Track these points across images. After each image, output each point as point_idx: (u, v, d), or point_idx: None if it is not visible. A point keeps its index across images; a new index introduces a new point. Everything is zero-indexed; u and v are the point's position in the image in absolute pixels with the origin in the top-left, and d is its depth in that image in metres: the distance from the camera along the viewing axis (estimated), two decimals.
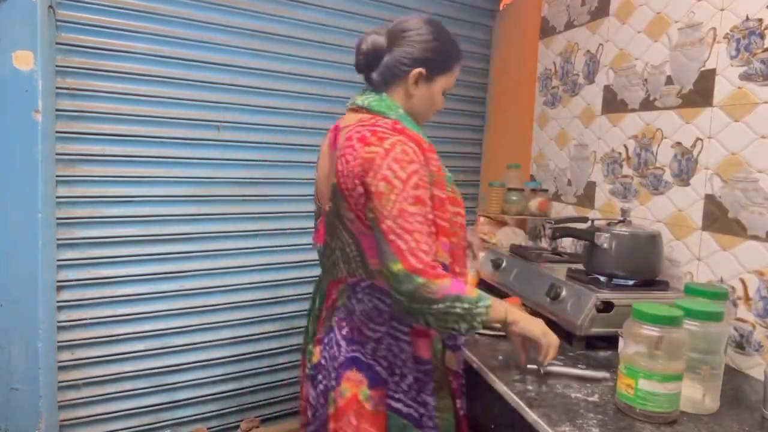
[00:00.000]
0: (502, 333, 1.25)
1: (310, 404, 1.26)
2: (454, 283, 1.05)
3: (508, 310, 1.13)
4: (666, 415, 0.97)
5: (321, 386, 1.21)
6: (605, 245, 1.40)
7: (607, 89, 1.80)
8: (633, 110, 1.68)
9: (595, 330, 1.32)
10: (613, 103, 1.77)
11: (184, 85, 1.96)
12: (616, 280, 1.41)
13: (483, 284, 1.91)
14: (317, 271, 1.33)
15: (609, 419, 0.98)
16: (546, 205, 2.03)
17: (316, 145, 1.77)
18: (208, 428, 2.12)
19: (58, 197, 1.79)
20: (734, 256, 1.32)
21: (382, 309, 1.16)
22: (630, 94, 1.69)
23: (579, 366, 1.23)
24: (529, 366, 1.17)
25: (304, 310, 1.75)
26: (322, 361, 1.21)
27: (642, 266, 1.41)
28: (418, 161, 1.09)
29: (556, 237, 1.58)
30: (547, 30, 2.16)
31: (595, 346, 1.35)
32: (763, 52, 1.27)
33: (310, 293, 1.36)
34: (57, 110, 1.76)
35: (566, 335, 1.39)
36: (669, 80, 1.54)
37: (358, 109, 1.21)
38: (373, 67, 1.22)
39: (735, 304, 1.31)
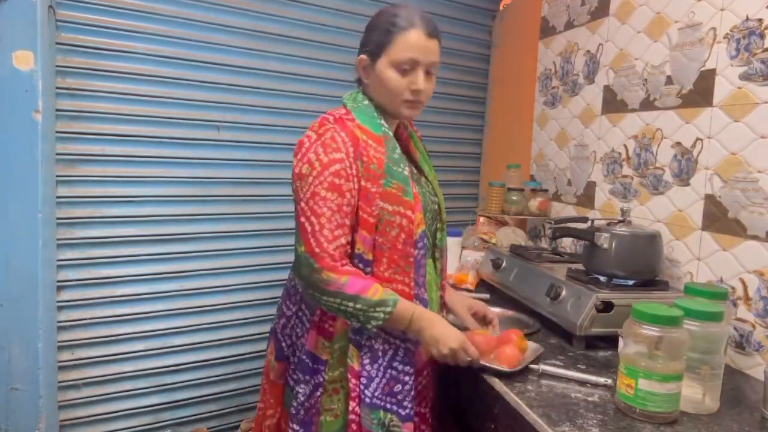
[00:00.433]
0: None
1: None
2: (352, 282, 1.05)
3: (414, 320, 1.08)
4: (666, 415, 0.97)
5: None
6: (605, 245, 1.40)
7: (607, 89, 1.80)
8: (633, 110, 1.68)
9: (595, 330, 1.32)
10: (613, 103, 1.77)
11: (184, 85, 1.96)
12: (616, 280, 1.41)
13: (483, 284, 1.91)
14: None
15: (609, 419, 0.98)
16: (546, 205, 2.03)
17: None
18: (208, 428, 2.12)
19: (58, 197, 1.79)
20: (734, 256, 1.32)
21: (297, 289, 1.23)
22: (630, 94, 1.69)
23: (579, 366, 1.23)
24: (529, 366, 1.17)
25: None
26: None
27: (642, 266, 1.41)
28: (345, 150, 1.11)
29: (556, 237, 1.58)
30: (547, 30, 2.16)
31: (595, 346, 1.35)
32: (763, 52, 1.27)
33: None
34: (57, 110, 1.76)
35: (566, 335, 1.40)
36: (669, 80, 1.54)
37: (343, 104, 1.26)
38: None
39: (735, 304, 1.31)
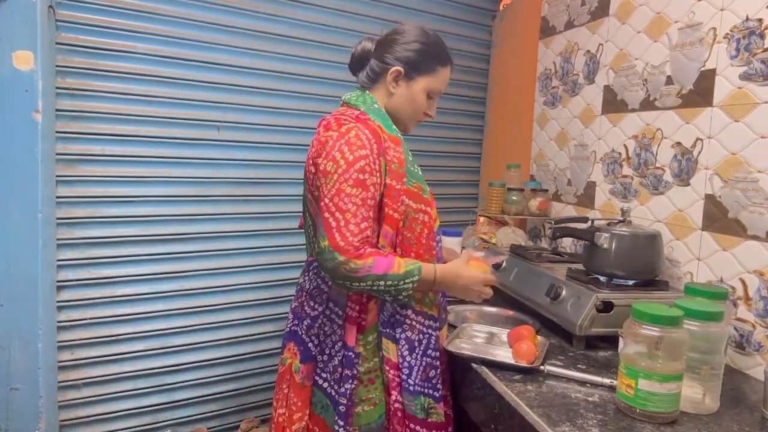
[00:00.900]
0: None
1: None
2: (378, 262, 1.10)
3: (437, 281, 1.17)
4: (666, 415, 0.97)
5: None
6: (605, 245, 1.40)
7: (607, 89, 1.80)
8: (633, 110, 1.68)
9: (595, 330, 1.32)
10: (613, 103, 1.77)
11: (184, 85, 1.96)
12: (616, 280, 1.41)
13: None
14: None
15: (609, 419, 0.98)
16: (546, 205, 2.03)
17: None
18: (208, 428, 2.12)
19: (58, 197, 1.79)
20: (734, 256, 1.32)
21: (322, 289, 1.25)
22: (630, 94, 1.69)
23: (579, 366, 1.23)
24: (529, 366, 1.17)
25: None
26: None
27: (642, 266, 1.41)
28: (369, 147, 1.14)
29: (556, 237, 1.58)
30: (547, 30, 2.16)
31: (595, 346, 1.35)
32: (763, 52, 1.27)
33: None
34: (57, 110, 1.76)
35: (566, 335, 1.40)
36: (669, 80, 1.54)
37: (343, 104, 1.30)
38: (362, 68, 1.31)
39: (735, 304, 1.31)
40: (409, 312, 1.20)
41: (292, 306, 1.33)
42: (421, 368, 1.20)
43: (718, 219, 1.37)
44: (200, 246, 2.05)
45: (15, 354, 1.70)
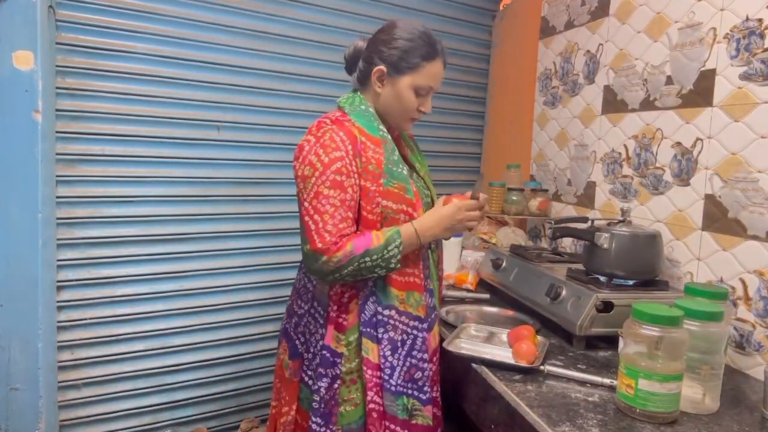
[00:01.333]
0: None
1: None
2: (357, 244, 1.11)
3: (419, 233, 1.18)
4: (666, 415, 0.97)
5: None
6: (605, 245, 1.40)
7: (607, 89, 1.80)
8: (633, 110, 1.68)
9: (595, 330, 1.32)
10: (613, 103, 1.77)
11: (184, 85, 1.96)
12: (616, 280, 1.41)
13: (483, 284, 1.91)
14: None
15: (609, 419, 0.98)
16: (546, 205, 2.03)
17: None
18: (208, 428, 2.12)
19: (58, 197, 1.79)
20: (734, 256, 1.32)
21: (308, 288, 1.27)
22: (630, 94, 1.69)
23: (579, 366, 1.23)
24: (529, 366, 1.17)
25: None
26: None
27: (642, 266, 1.41)
28: (344, 149, 1.15)
29: (556, 237, 1.58)
30: (547, 30, 2.16)
31: (595, 346, 1.35)
32: (763, 52, 1.27)
33: None
34: (57, 110, 1.76)
35: (566, 335, 1.40)
36: (669, 80, 1.54)
37: (337, 107, 1.29)
38: (354, 69, 1.32)
39: (735, 304, 1.31)
40: (393, 312, 1.20)
41: (287, 304, 1.37)
42: (405, 369, 1.20)
43: (718, 219, 1.37)
44: (200, 246, 2.05)
45: (15, 354, 1.70)
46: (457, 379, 1.30)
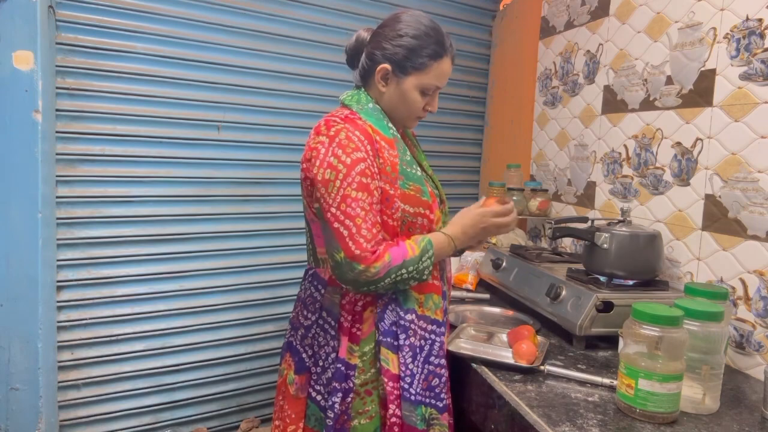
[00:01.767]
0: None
1: None
2: (394, 254, 1.06)
3: (454, 240, 1.15)
4: (666, 415, 0.97)
5: None
6: (605, 245, 1.40)
7: (607, 89, 1.80)
8: (633, 110, 1.68)
9: (595, 330, 1.32)
10: (613, 103, 1.77)
11: (184, 85, 1.96)
12: (616, 280, 1.41)
13: (483, 284, 1.91)
14: None
15: (609, 419, 0.98)
16: (546, 205, 2.03)
17: None
18: (208, 428, 2.12)
19: (58, 197, 1.79)
20: (734, 256, 1.32)
21: (315, 298, 1.19)
22: (630, 94, 1.69)
23: (579, 366, 1.23)
24: (529, 366, 1.17)
25: None
26: None
27: (642, 266, 1.41)
28: (364, 149, 1.08)
29: (556, 237, 1.58)
30: (547, 30, 2.16)
31: (595, 346, 1.35)
32: (763, 52, 1.27)
33: None
34: (57, 110, 1.76)
35: (566, 335, 1.40)
36: (669, 80, 1.54)
37: (341, 104, 1.23)
38: (356, 64, 1.24)
39: (735, 304, 1.31)
40: (413, 317, 1.14)
41: (291, 316, 1.29)
42: (423, 377, 1.14)
43: (718, 219, 1.37)
44: (200, 246, 2.05)
45: (15, 354, 1.70)
46: (457, 379, 1.30)
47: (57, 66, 1.75)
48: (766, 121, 1.25)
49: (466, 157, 2.66)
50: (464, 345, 1.30)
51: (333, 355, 1.16)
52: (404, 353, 1.13)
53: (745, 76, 1.31)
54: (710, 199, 1.39)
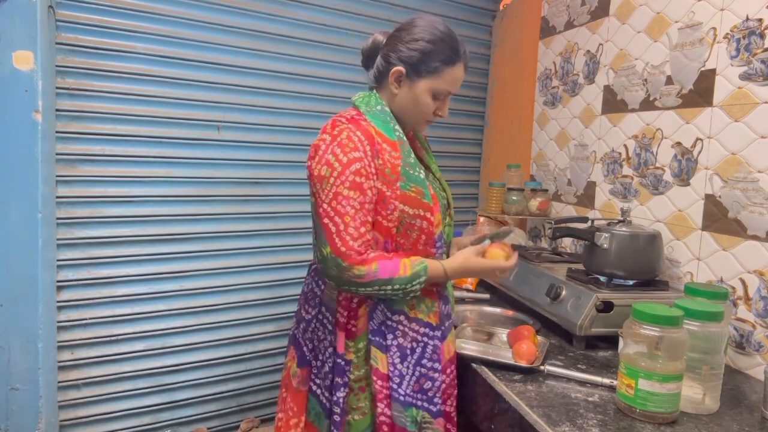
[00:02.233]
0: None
1: None
2: (383, 267, 1.07)
3: (449, 275, 1.15)
4: (666, 415, 0.97)
5: None
6: (605, 245, 1.40)
7: (607, 89, 1.80)
8: (633, 110, 1.68)
9: (595, 330, 1.32)
10: (613, 103, 1.77)
11: (184, 85, 1.96)
12: (616, 280, 1.41)
13: (483, 284, 1.91)
14: None
15: (609, 419, 0.98)
16: (546, 205, 2.03)
17: None
18: (208, 428, 2.12)
19: (58, 197, 1.79)
20: (734, 256, 1.32)
21: (315, 293, 1.23)
22: (630, 94, 1.69)
23: (579, 366, 1.23)
24: (529, 366, 1.17)
25: None
26: None
27: (642, 266, 1.41)
28: (362, 149, 1.10)
29: (556, 237, 1.58)
30: (547, 30, 2.16)
31: (595, 346, 1.35)
32: (763, 52, 1.27)
33: None
34: (57, 110, 1.76)
35: (566, 335, 1.40)
36: (669, 80, 1.54)
37: (352, 105, 1.24)
38: (371, 66, 1.26)
39: (735, 304, 1.31)
40: (402, 318, 1.15)
41: (296, 310, 1.33)
42: (414, 378, 1.15)
43: (718, 219, 1.37)
44: (200, 246, 2.05)
45: (15, 354, 1.70)
46: (457, 378, 1.30)
47: (57, 66, 1.75)
48: (766, 121, 1.25)
49: (466, 157, 2.66)
50: (464, 345, 1.30)
51: (330, 350, 1.18)
52: (392, 353, 1.15)
53: (745, 76, 1.31)
54: (710, 199, 1.39)
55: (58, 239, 1.80)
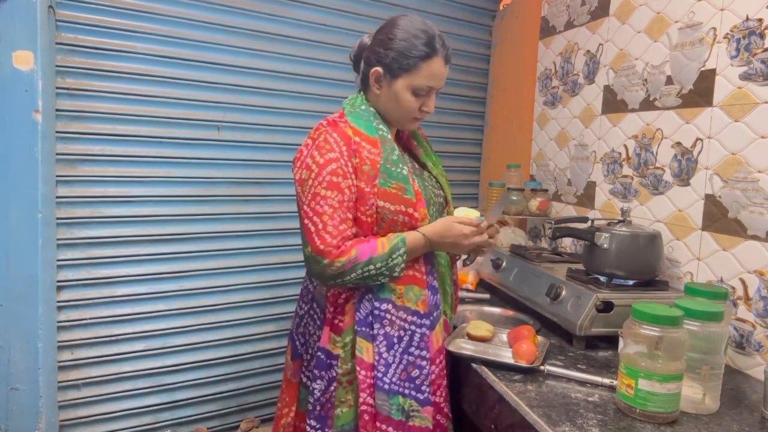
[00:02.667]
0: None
1: None
2: (361, 250, 1.10)
3: (430, 242, 1.17)
4: (666, 415, 0.97)
5: None
6: (605, 245, 1.40)
7: (607, 89, 1.80)
8: (633, 110, 1.68)
9: (595, 330, 1.32)
10: (613, 103, 1.77)
11: (184, 85, 1.96)
12: (616, 280, 1.41)
13: (483, 284, 1.91)
14: None
15: (609, 419, 0.98)
16: (546, 205, 2.03)
17: None
18: (208, 428, 2.12)
19: (58, 197, 1.79)
20: (734, 256, 1.32)
21: (309, 289, 1.30)
22: (630, 94, 1.69)
23: (579, 366, 1.23)
24: (529, 366, 1.17)
25: None
26: None
27: (642, 266, 1.41)
28: (338, 150, 1.14)
29: (556, 237, 1.58)
30: (547, 30, 2.16)
31: (595, 346, 1.35)
32: (763, 52, 1.27)
33: None
34: (57, 110, 1.76)
35: (566, 335, 1.40)
36: (669, 80, 1.54)
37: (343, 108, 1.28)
38: (358, 69, 1.29)
39: (735, 304, 1.31)
40: (389, 306, 1.16)
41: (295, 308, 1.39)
42: (401, 366, 1.16)
43: (718, 219, 1.37)
44: (200, 246, 2.05)
45: (15, 354, 1.70)
46: (457, 379, 1.30)
47: (57, 66, 1.75)
48: (766, 121, 1.26)
49: (466, 157, 2.66)
50: (464, 345, 1.30)
51: (318, 344, 1.22)
52: (378, 342, 1.15)
53: (745, 76, 1.31)
54: (710, 199, 1.39)
55: (58, 239, 1.80)
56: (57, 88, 1.76)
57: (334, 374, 1.18)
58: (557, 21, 2.09)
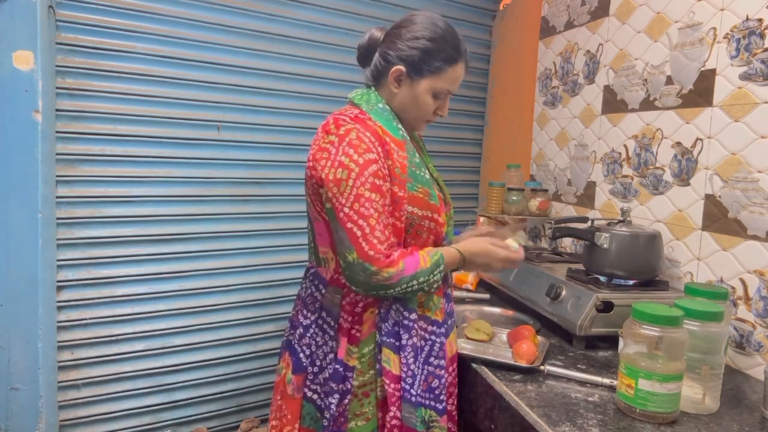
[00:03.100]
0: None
1: None
2: (408, 263, 1.05)
3: (464, 261, 1.16)
4: (666, 415, 0.97)
5: None
6: (605, 245, 1.40)
7: (607, 89, 1.80)
8: (633, 110, 1.68)
9: (595, 330, 1.32)
10: (613, 103, 1.77)
11: (184, 85, 1.96)
12: (616, 280, 1.41)
13: (483, 284, 1.91)
14: None
15: (609, 419, 0.98)
16: (546, 205, 2.03)
17: None
18: (208, 428, 2.12)
19: (58, 197, 1.79)
20: (734, 256, 1.32)
21: (316, 297, 1.19)
22: (630, 94, 1.69)
23: (579, 366, 1.23)
24: (529, 366, 1.17)
25: None
26: None
27: (642, 266, 1.41)
28: (375, 151, 1.07)
29: (556, 237, 1.58)
30: (547, 30, 2.16)
31: (595, 346, 1.35)
32: (763, 52, 1.27)
33: None
34: (57, 110, 1.76)
35: (566, 335, 1.40)
36: (669, 80, 1.54)
37: (348, 103, 1.22)
38: (368, 63, 1.22)
39: (735, 304, 1.31)
40: (414, 316, 1.13)
41: (290, 315, 1.29)
42: (423, 377, 1.13)
43: (718, 219, 1.37)
44: (200, 246, 2.05)
45: (15, 354, 1.70)
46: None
47: (57, 66, 1.75)
48: (766, 121, 1.25)
49: (466, 157, 2.66)
50: (464, 345, 1.30)
51: (331, 356, 1.14)
52: (406, 353, 1.11)
53: (745, 76, 1.31)
54: (710, 199, 1.39)
55: (58, 239, 1.80)
56: (57, 88, 1.76)
57: (349, 386, 1.12)
58: (557, 21, 2.09)
